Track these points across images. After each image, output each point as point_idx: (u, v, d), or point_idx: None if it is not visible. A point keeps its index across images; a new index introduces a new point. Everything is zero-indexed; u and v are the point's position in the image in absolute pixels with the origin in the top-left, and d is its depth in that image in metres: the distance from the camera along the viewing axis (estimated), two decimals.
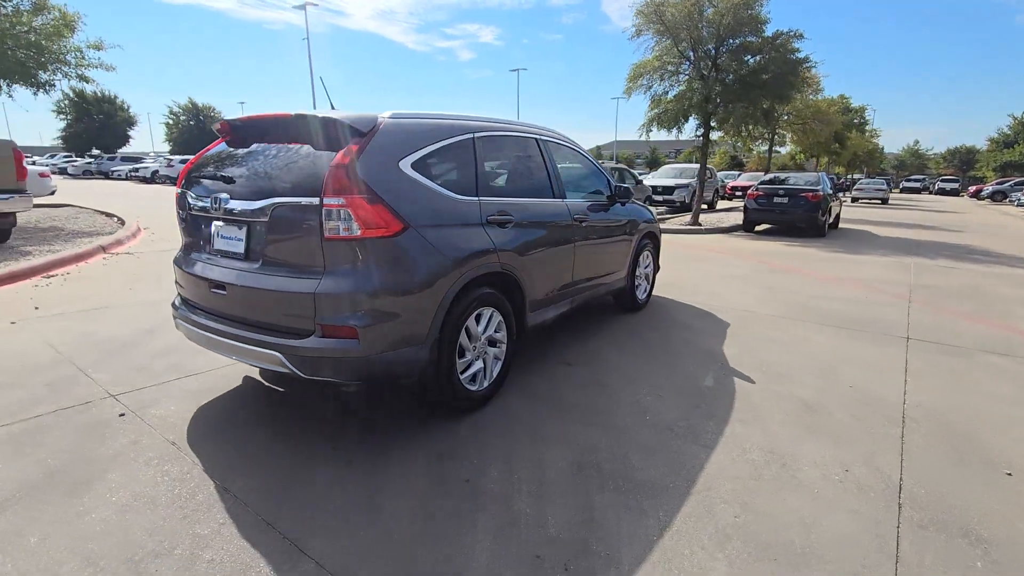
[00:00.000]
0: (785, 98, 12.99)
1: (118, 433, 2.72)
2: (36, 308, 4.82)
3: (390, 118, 2.71)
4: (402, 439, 2.75)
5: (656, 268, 5.66)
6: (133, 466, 2.44)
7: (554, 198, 3.79)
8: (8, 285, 5.64)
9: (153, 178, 31.27)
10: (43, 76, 16.21)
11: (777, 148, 26.67)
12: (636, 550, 1.99)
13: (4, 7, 15.34)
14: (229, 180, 2.76)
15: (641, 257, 5.17)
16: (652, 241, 5.40)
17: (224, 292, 2.71)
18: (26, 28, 15.85)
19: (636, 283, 5.17)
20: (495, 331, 3.14)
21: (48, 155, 48.53)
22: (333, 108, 3.14)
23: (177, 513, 2.13)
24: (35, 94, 16.79)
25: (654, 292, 5.84)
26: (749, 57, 12.41)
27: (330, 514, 2.15)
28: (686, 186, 16.81)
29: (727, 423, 2.99)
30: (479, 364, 3.06)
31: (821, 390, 3.47)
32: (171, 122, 51.79)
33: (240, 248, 2.69)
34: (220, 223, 2.79)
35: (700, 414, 3.09)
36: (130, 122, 48.19)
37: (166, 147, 53.51)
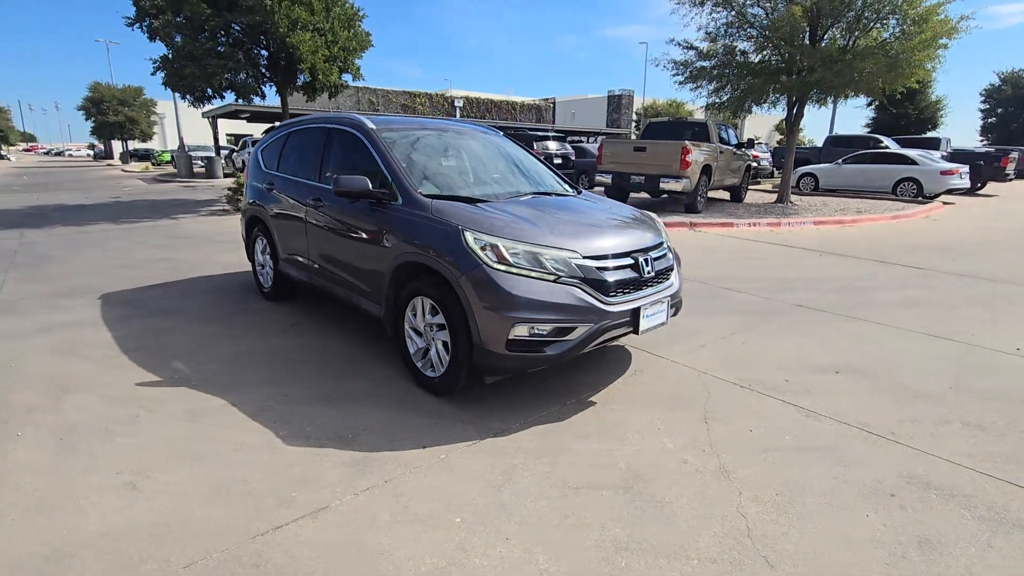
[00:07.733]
0: None
1: None
2: None
3: (275, 125, 5.17)
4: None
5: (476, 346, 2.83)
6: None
7: (310, 181, 4.26)
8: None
9: None
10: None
11: None
12: None
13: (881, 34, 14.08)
14: None
15: (413, 308, 3.12)
16: (452, 292, 2.86)
17: None
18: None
19: (430, 347, 3.09)
20: (266, 254, 4.96)
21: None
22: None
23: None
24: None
25: None
26: None
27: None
28: None
29: None
30: (265, 270, 5.07)
31: None
32: (987, 107, 48.91)
33: None
34: None
35: None
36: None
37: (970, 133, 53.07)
